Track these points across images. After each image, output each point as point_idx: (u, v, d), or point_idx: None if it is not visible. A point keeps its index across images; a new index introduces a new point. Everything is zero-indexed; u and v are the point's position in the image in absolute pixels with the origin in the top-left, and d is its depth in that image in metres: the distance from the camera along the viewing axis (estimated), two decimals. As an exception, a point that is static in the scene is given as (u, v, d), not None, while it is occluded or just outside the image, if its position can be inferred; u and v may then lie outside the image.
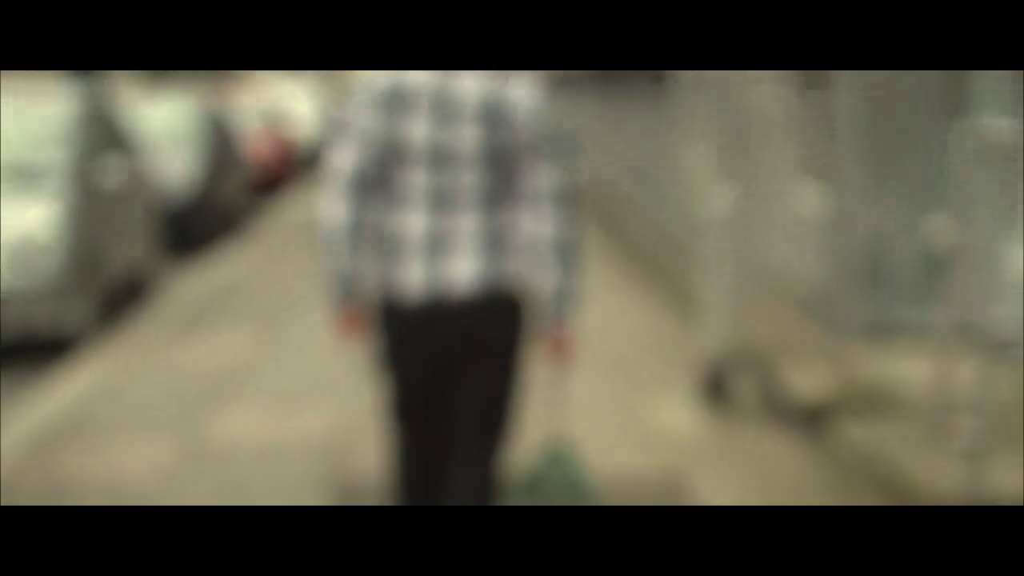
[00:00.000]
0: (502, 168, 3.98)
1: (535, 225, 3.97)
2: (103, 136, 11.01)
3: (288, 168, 23.38)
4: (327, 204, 4.05)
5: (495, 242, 3.98)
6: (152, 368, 8.47)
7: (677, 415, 7.17)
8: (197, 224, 14.85)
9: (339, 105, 29.30)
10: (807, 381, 6.96)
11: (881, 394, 6.74)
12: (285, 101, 27.78)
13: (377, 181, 4.00)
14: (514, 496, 4.13)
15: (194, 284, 12.13)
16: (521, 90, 3.99)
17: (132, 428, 7.01)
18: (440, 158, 3.96)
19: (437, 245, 3.96)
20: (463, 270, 3.95)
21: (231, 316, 10.39)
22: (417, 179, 3.96)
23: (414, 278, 3.96)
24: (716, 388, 7.22)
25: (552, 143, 4.01)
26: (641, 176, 14.89)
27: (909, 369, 7.44)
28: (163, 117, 16.11)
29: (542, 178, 3.97)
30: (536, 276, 4.02)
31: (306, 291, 11.41)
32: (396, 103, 3.96)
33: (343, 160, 4.02)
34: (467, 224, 3.96)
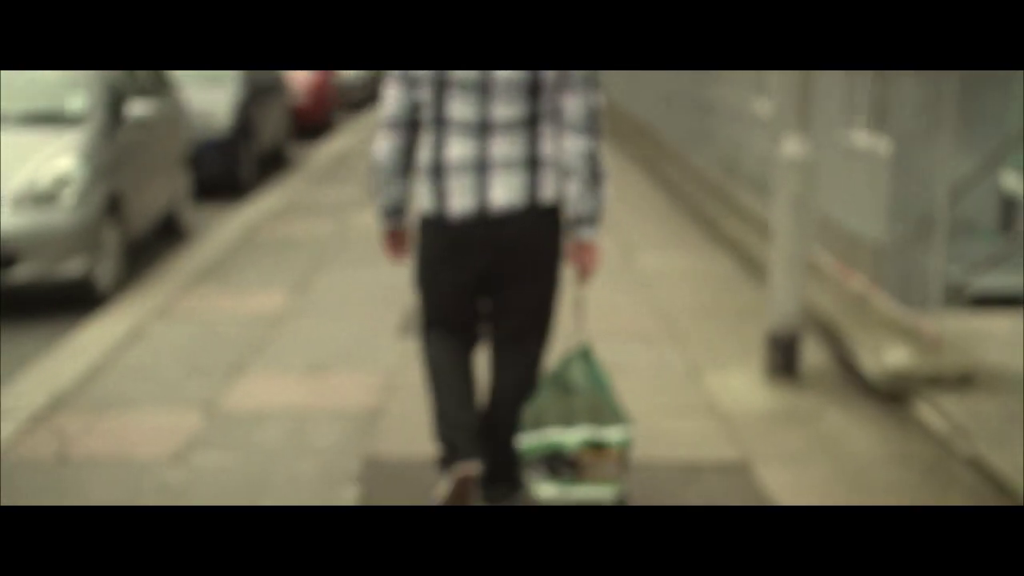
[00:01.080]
0: (537, 97, 4.40)
1: (567, 147, 4.42)
2: (133, 77, 10.51)
3: (330, 109, 22.67)
4: (376, 140, 4.62)
5: (532, 162, 4.40)
6: (181, 320, 8.03)
7: (743, 388, 6.63)
8: (234, 164, 14.29)
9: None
10: (886, 352, 6.41)
11: (967, 366, 6.20)
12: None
13: (425, 112, 4.46)
14: (543, 389, 4.54)
15: (227, 228, 11.63)
16: None
17: (158, 386, 6.57)
18: (482, 89, 4.36)
19: (481, 166, 4.39)
20: (503, 188, 4.39)
21: (267, 269, 9.91)
22: (462, 108, 4.39)
23: (460, 196, 4.41)
24: (786, 359, 6.67)
25: (580, 76, 4.39)
26: (707, 131, 14.27)
27: (994, 337, 6.94)
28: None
29: (572, 107, 4.40)
30: (567, 192, 4.47)
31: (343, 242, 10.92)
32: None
33: (389, 99, 4.53)
34: (507, 148, 4.39)
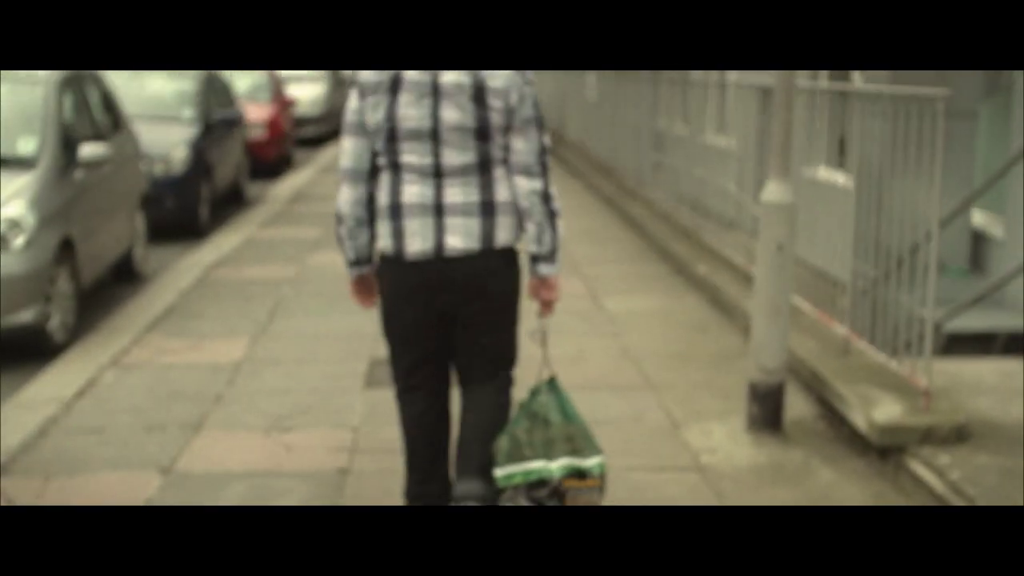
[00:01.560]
0: (487, 142, 4.47)
1: (519, 189, 4.51)
2: (86, 118, 10.20)
3: (287, 143, 22.35)
4: (339, 192, 4.65)
5: (487, 208, 4.49)
6: (137, 371, 7.71)
7: (727, 442, 6.37)
8: (190, 204, 13.95)
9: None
10: (875, 407, 6.16)
11: (960, 420, 5.96)
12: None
13: (381, 159, 4.55)
14: (517, 421, 4.60)
15: (185, 270, 11.31)
16: (502, 72, 4.44)
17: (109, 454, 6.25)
18: (434, 135, 4.44)
19: (437, 210, 4.47)
20: (459, 233, 4.47)
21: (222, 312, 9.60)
22: (416, 155, 4.47)
23: (418, 237, 4.49)
24: (770, 411, 6.42)
25: (526, 118, 4.49)
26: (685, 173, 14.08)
27: (983, 385, 6.71)
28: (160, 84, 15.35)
29: (521, 149, 4.49)
30: (524, 230, 4.59)
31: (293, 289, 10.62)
32: (390, 91, 4.46)
33: (346, 150, 4.60)
34: (461, 194, 4.47)
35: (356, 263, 4.77)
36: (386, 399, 5.63)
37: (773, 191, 6.33)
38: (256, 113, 20.30)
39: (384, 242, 4.58)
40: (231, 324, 9.00)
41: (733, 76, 11.95)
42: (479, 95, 4.43)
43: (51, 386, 7.41)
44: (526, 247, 4.63)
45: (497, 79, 4.43)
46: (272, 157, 20.80)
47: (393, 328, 4.70)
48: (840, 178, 8.91)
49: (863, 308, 7.35)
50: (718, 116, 14.02)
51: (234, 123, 16.64)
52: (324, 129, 27.30)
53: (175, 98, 15.22)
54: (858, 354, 7.06)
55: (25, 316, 8.20)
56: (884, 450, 5.92)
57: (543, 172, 4.53)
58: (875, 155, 7.31)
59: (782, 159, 6.30)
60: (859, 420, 6.11)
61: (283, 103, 22.30)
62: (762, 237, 6.39)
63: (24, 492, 5.64)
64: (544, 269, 4.64)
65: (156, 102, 15.04)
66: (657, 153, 15.02)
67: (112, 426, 6.63)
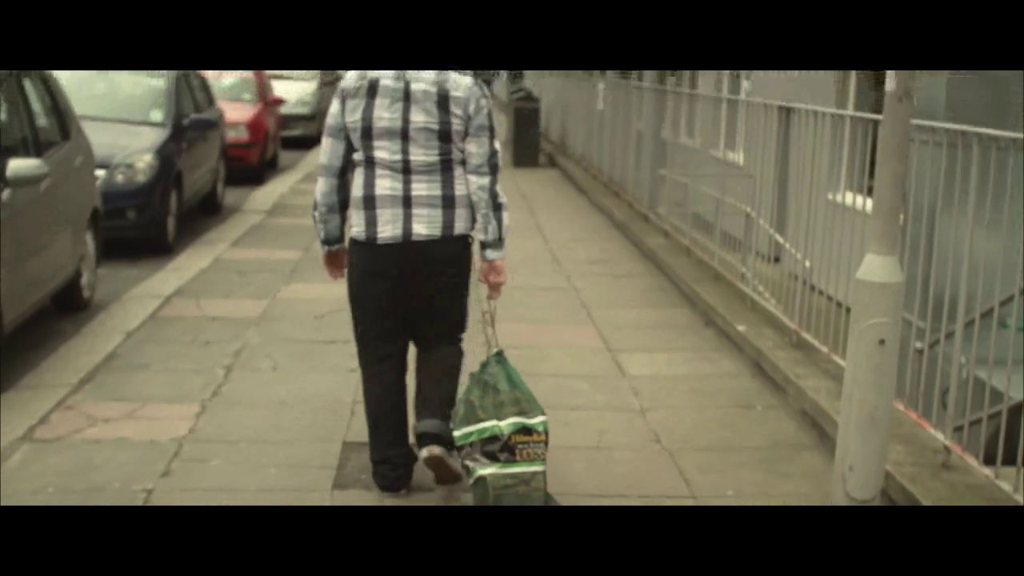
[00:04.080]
0: (448, 143, 5.34)
1: (471, 184, 5.40)
2: (20, 126, 8.67)
3: (272, 145, 20.76)
4: (317, 183, 5.61)
5: (447, 201, 5.37)
6: (58, 449, 6.19)
7: None
8: (154, 219, 12.42)
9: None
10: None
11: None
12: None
13: (357, 156, 5.43)
14: (470, 389, 5.35)
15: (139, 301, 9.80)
16: (463, 81, 5.35)
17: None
18: (403, 136, 5.32)
19: (406, 202, 5.34)
20: (424, 222, 5.35)
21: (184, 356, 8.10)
22: (387, 152, 5.35)
23: (388, 225, 5.36)
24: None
25: (485, 126, 5.39)
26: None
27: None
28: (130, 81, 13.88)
29: (475, 151, 5.39)
30: (477, 222, 5.47)
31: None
32: (368, 94, 5.34)
33: (325, 149, 5.51)
34: (426, 188, 5.35)
35: (327, 243, 5.74)
36: (359, 506, 5.56)
37: (875, 267, 4.83)
38: (238, 113, 18.80)
39: (357, 229, 5.45)
40: (180, 382, 7.45)
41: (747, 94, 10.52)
42: (443, 102, 5.32)
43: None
44: (476, 235, 5.50)
45: (459, 90, 5.34)
46: (255, 161, 19.25)
47: (365, 304, 5.54)
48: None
49: (916, 372, 5.93)
50: (732, 133, 12.70)
51: (211, 125, 15.10)
52: (314, 129, 25.38)
53: (144, 98, 13.75)
54: (956, 469, 5.57)
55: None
56: None
57: (492, 172, 5.41)
58: (927, 193, 5.92)
59: (888, 224, 4.80)
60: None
61: (268, 102, 20.74)
62: (855, 326, 4.90)
63: None
64: (491, 254, 5.53)
65: (122, 103, 13.58)
66: (668, 169, 13.60)
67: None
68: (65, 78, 12.91)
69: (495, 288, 5.57)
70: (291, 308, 9.60)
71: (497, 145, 5.45)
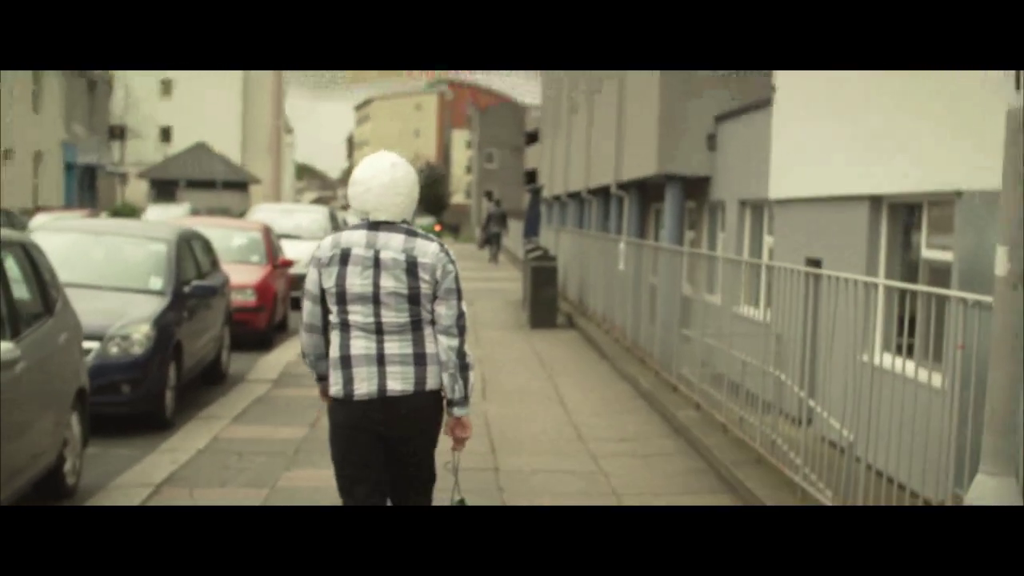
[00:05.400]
0: (418, 305, 5.76)
1: (441, 345, 5.80)
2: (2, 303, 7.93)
3: (281, 307, 20.04)
4: (302, 339, 6.07)
5: (419, 359, 5.77)
6: None
7: None
8: (150, 393, 11.61)
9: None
10: None
11: None
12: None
13: (333, 318, 5.84)
14: None
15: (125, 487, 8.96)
16: (430, 248, 5.77)
17: None
18: (375, 300, 5.73)
19: (380, 360, 5.74)
20: (397, 379, 5.75)
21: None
22: (360, 316, 5.76)
23: (364, 382, 5.75)
24: None
25: (452, 289, 5.80)
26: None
27: None
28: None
29: (443, 313, 5.80)
30: (444, 380, 5.84)
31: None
32: (341, 262, 5.76)
33: (306, 311, 5.95)
34: (398, 347, 5.75)
35: (321, 379, 6.03)
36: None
37: (987, 490, 3.96)
38: (245, 276, 18.10)
39: (336, 388, 5.80)
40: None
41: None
42: (412, 268, 5.70)
43: None
44: (444, 393, 5.82)
45: (426, 256, 5.71)
46: (263, 326, 18.47)
47: (342, 452, 5.86)
48: (915, 371, 6.88)
49: None
50: (758, 293, 12.02)
51: (215, 290, 14.33)
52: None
53: (142, 265, 13.07)
54: None
55: None
56: None
57: (460, 333, 5.79)
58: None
59: (1003, 439, 3.94)
60: None
61: (277, 264, 20.06)
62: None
63: None
64: (458, 411, 5.87)
65: (119, 270, 12.93)
66: (691, 330, 12.86)
67: None
68: (61, 244, 12.25)
69: (459, 442, 5.96)
70: (292, 499, 8.74)
71: (464, 307, 5.82)
